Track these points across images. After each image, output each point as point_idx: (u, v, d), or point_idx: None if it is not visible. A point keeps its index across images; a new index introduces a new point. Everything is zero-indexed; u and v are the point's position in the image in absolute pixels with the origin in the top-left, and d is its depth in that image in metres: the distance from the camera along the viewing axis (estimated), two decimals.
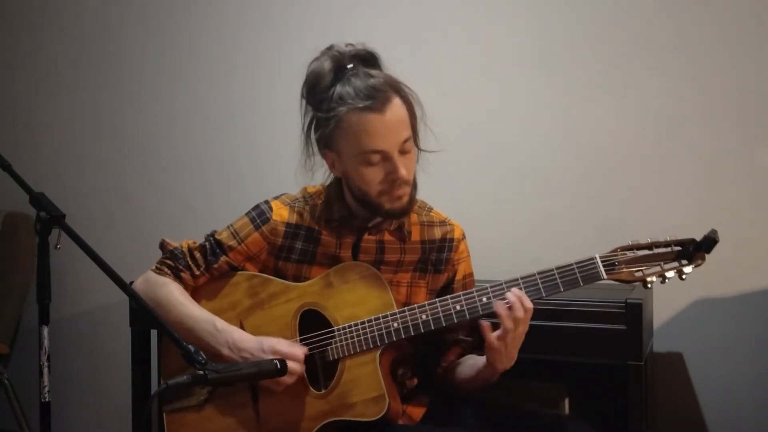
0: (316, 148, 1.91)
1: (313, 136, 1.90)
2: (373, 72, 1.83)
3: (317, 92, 1.85)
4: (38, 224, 1.63)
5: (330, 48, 1.87)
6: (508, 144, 2.75)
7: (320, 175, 1.98)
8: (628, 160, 2.62)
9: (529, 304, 1.77)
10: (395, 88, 1.82)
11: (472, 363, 1.94)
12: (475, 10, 2.78)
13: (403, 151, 1.82)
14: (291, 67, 2.95)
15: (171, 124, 3.22)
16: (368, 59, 1.86)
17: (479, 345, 1.88)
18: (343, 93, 1.80)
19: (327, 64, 1.84)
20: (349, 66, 1.83)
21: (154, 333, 2.60)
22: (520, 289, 1.79)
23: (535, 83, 2.71)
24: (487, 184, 2.76)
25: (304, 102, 1.91)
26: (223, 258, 1.96)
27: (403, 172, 1.81)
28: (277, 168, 2.94)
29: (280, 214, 1.96)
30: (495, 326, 1.79)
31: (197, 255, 1.97)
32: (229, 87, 3.12)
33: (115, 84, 3.29)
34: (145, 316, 1.70)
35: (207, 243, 1.98)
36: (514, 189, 2.74)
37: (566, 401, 2.49)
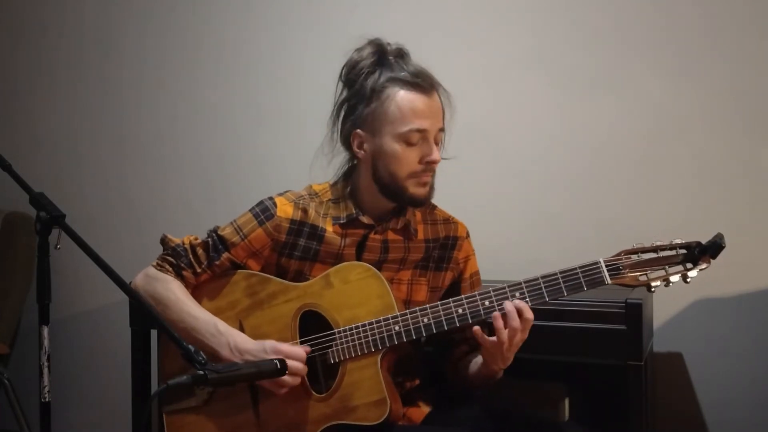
0: (338, 136, 1.95)
1: (342, 117, 1.94)
2: (415, 63, 1.93)
3: (358, 70, 1.91)
4: (38, 224, 1.63)
5: (374, 39, 1.94)
6: (507, 144, 2.75)
7: (337, 162, 2.00)
8: (628, 160, 2.62)
9: (529, 315, 1.76)
10: (435, 83, 1.92)
11: (477, 360, 1.94)
12: (475, 11, 2.78)
13: (437, 141, 1.89)
14: (292, 66, 3.00)
15: (171, 123, 3.22)
16: (406, 54, 1.94)
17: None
18: (393, 73, 1.88)
19: (368, 49, 1.92)
20: (391, 57, 1.91)
21: (154, 333, 2.60)
22: (523, 294, 1.79)
23: (535, 83, 2.71)
24: (486, 184, 2.76)
25: (340, 85, 1.96)
26: (225, 254, 1.96)
27: (437, 154, 1.87)
28: (278, 168, 2.96)
29: (285, 210, 1.96)
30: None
31: (200, 251, 1.97)
32: (230, 86, 3.12)
33: (115, 84, 3.29)
34: (145, 314, 1.71)
35: (209, 239, 1.98)
36: (513, 189, 2.74)
37: (566, 401, 2.49)
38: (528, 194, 2.72)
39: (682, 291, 2.49)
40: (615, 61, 2.62)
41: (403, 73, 1.87)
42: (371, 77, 1.89)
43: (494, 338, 1.77)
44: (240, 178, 3.08)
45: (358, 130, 1.90)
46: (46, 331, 1.64)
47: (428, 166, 1.87)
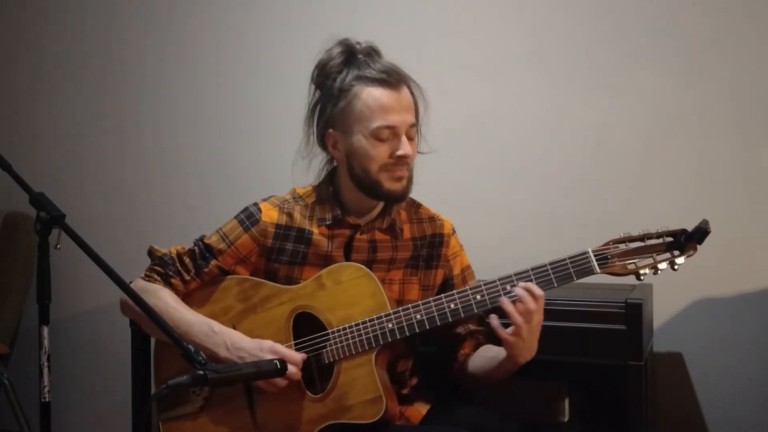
0: (314, 138, 1.96)
1: (315, 119, 1.95)
2: (383, 60, 1.93)
3: (327, 71, 1.92)
4: (38, 224, 1.62)
5: (343, 40, 1.95)
6: (506, 142, 2.75)
7: (317, 163, 2.01)
8: (626, 158, 2.62)
9: (539, 292, 1.77)
10: (405, 77, 1.91)
11: (492, 356, 1.92)
12: (474, 9, 2.78)
13: (409, 136, 1.89)
14: (292, 67, 3.00)
15: (171, 123, 3.22)
16: (376, 52, 1.95)
17: (492, 335, 1.87)
18: (360, 71, 1.88)
19: (337, 49, 1.93)
20: (360, 56, 1.92)
21: None
22: (514, 286, 1.78)
23: (533, 82, 2.71)
24: (484, 182, 2.77)
25: (312, 87, 1.97)
26: (213, 262, 1.96)
27: (407, 148, 1.86)
28: (278, 168, 2.94)
29: (270, 215, 1.96)
30: (507, 324, 1.78)
31: (186, 260, 1.97)
32: (230, 87, 3.12)
33: (115, 84, 3.29)
34: (142, 319, 1.70)
35: (196, 248, 1.98)
36: (511, 187, 2.74)
37: (566, 401, 2.48)
38: (527, 193, 2.72)
39: (682, 291, 2.51)
40: (614, 60, 2.62)
41: (369, 71, 1.87)
42: (339, 77, 1.90)
43: (512, 329, 1.76)
44: (239, 178, 3.08)
45: (331, 130, 1.92)
46: (46, 331, 1.64)
47: (399, 160, 1.87)
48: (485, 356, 1.95)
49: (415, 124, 1.90)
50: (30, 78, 3.44)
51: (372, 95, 1.86)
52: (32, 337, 1.73)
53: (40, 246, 1.63)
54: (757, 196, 2.49)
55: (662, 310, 2.53)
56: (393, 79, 1.87)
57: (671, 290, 2.45)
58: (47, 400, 1.66)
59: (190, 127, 3.19)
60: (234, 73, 3.11)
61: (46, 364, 1.64)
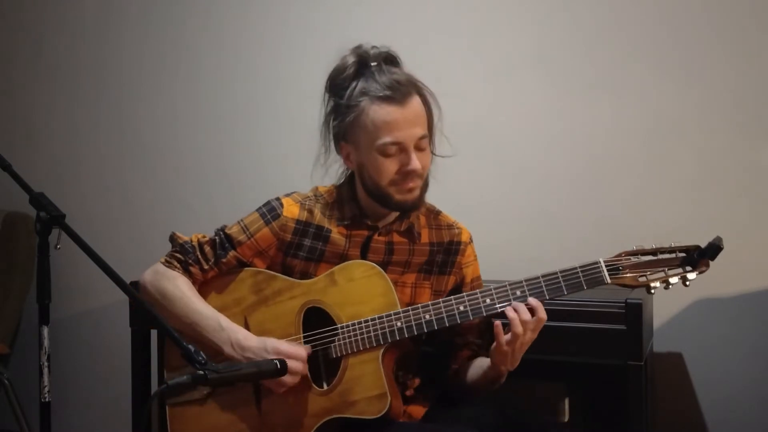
0: (332, 145, 1.96)
1: (331, 129, 1.95)
2: (396, 70, 1.91)
3: (339, 83, 1.91)
4: (38, 224, 1.63)
5: (357, 47, 1.94)
6: (507, 144, 2.75)
7: (334, 171, 2.01)
8: (627, 160, 2.62)
9: (542, 315, 1.78)
10: (416, 86, 1.90)
11: (479, 364, 1.95)
12: (475, 11, 2.78)
13: (419, 148, 1.87)
14: (291, 67, 3.00)
15: (171, 123, 3.22)
16: (391, 60, 1.93)
17: (488, 347, 1.89)
18: (366, 86, 1.87)
19: (351, 59, 1.92)
20: (373, 64, 1.90)
21: (154, 333, 2.60)
22: (524, 292, 1.80)
23: (535, 83, 2.71)
24: (486, 184, 2.77)
25: (327, 96, 1.96)
26: (231, 252, 1.97)
27: (416, 164, 1.86)
28: (279, 169, 2.96)
29: (291, 210, 1.97)
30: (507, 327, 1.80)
31: (207, 249, 1.99)
32: (230, 87, 3.12)
33: (116, 84, 3.29)
34: (146, 313, 1.71)
35: (217, 237, 2.00)
36: (512, 189, 2.74)
37: (566, 401, 2.49)
38: (528, 194, 2.72)
39: (682, 291, 2.48)
40: (615, 61, 2.63)
41: (375, 86, 1.86)
42: (348, 90, 1.89)
43: (509, 335, 1.78)
44: (240, 178, 3.09)
45: (343, 143, 1.93)
46: (46, 331, 1.64)
47: (407, 175, 1.87)
48: (476, 365, 1.97)
49: (426, 136, 1.88)
50: (29, 78, 3.44)
51: (377, 112, 1.85)
52: (32, 337, 1.73)
53: (40, 246, 1.63)
54: (758, 197, 2.49)
55: (662, 310, 2.53)
56: (399, 93, 1.84)
57: (671, 290, 2.44)
58: (47, 400, 1.66)
59: (190, 127, 3.19)
60: (234, 73, 3.11)
61: (46, 364, 1.64)
